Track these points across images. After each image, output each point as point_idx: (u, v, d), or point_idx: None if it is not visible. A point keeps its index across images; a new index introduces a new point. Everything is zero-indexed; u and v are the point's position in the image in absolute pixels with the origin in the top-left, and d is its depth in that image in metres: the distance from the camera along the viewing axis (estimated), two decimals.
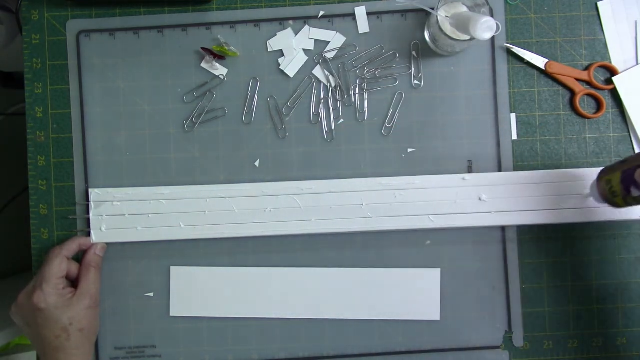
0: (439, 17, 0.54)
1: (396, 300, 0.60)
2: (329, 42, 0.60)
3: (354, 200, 0.59)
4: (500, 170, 0.60)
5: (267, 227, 0.59)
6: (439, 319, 0.60)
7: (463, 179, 0.59)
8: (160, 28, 0.61)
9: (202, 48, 0.60)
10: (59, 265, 0.56)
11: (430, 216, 0.58)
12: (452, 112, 0.60)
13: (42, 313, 0.54)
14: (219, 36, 0.61)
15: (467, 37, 0.54)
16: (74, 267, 0.58)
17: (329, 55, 0.60)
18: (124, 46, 0.61)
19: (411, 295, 0.60)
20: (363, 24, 0.60)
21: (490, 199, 0.58)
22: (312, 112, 0.61)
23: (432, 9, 0.54)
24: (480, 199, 0.58)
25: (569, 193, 0.58)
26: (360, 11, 0.60)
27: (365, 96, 0.60)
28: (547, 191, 0.58)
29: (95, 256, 0.59)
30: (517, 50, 0.60)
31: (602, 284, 0.60)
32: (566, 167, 0.60)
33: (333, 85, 0.60)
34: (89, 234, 0.60)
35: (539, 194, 0.58)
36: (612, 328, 0.60)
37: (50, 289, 0.54)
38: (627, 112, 0.60)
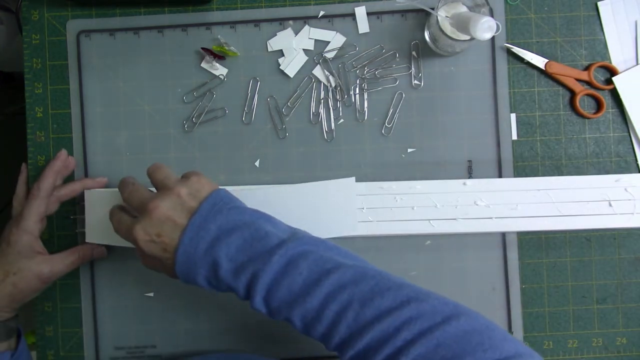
0: (439, 17, 0.54)
1: None
2: (329, 42, 0.60)
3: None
4: (500, 170, 0.60)
5: None
6: None
7: (464, 184, 0.58)
8: (160, 28, 0.61)
9: (202, 48, 0.60)
10: (38, 207, 0.55)
11: (431, 221, 0.58)
12: (452, 112, 0.60)
13: (7, 247, 0.54)
14: (219, 36, 0.61)
15: (467, 37, 0.54)
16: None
17: (329, 55, 0.60)
18: (124, 46, 0.61)
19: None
20: (363, 24, 0.60)
21: (491, 205, 0.58)
22: (312, 112, 0.61)
23: (432, 9, 0.54)
24: (481, 205, 0.58)
25: (570, 200, 0.58)
26: (360, 11, 0.60)
27: (365, 96, 0.60)
28: (548, 198, 0.58)
29: (88, 250, 0.58)
30: (517, 50, 0.60)
31: (602, 284, 0.60)
32: (566, 167, 0.60)
33: (333, 85, 0.60)
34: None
35: (540, 201, 0.58)
36: (612, 328, 0.60)
37: (28, 229, 0.55)
38: (627, 112, 0.60)
